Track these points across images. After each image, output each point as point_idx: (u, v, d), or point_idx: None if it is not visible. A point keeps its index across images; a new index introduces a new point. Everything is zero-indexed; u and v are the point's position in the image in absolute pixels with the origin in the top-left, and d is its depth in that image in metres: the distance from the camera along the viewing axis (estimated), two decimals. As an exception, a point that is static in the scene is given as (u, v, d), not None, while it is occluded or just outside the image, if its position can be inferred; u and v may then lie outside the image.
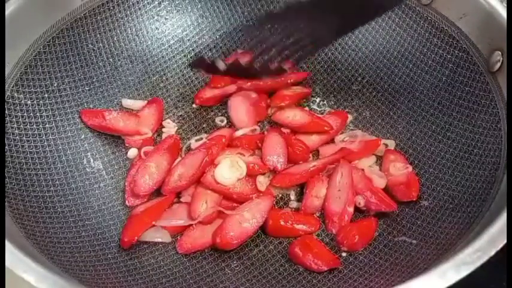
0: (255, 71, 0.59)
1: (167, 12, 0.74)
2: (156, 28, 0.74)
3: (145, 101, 0.70)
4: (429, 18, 0.66)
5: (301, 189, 0.62)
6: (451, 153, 0.61)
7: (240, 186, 0.60)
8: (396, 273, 0.53)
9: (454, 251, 0.47)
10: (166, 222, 0.59)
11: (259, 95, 0.71)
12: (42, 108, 0.63)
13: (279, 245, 0.59)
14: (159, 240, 0.58)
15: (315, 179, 0.61)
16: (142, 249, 0.58)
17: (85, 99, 0.67)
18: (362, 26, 0.69)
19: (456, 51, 0.63)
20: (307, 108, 0.70)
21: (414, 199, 0.59)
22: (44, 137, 0.62)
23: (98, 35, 0.69)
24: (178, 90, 0.73)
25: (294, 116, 0.67)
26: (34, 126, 0.61)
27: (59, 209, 0.57)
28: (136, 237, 0.57)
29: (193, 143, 0.66)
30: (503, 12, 0.58)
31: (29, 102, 0.61)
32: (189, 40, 0.75)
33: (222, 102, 0.72)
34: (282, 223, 0.59)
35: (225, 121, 0.70)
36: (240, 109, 0.70)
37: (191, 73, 0.74)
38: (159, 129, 0.69)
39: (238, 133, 0.67)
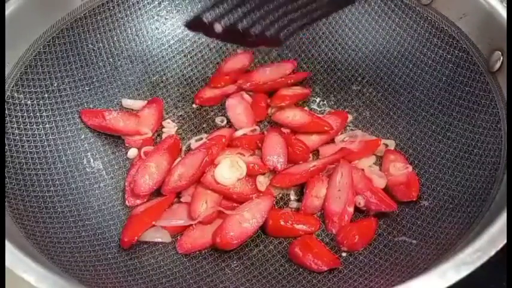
0: (252, 37, 0.58)
1: (167, 12, 0.74)
2: (156, 28, 0.74)
3: (145, 101, 0.70)
4: (429, 18, 0.66)
5: (301, 189, 0.62)
6: (451, 153, 0.61)
7: (240, 186, 0.60)
8: (396, 273, 0.53)
9: (454, 251, 0.47)
10: (166, 222, 0.59)
11: (258, 95, 0.71)
12: (42, 108, 0.63)
13: (279, 245, 0.59)
14: (159, 240, 0.58)
15: (315, 179, 0.61)
16: (142, 249, 0.58)
17: (85, 99, 0.67)
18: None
19: (456, 51, 0.63)
20: (307, 108, 0.70)
21: (414, 199, 0.59)
22: (44, 137, 0.62)
23: (98, 35, 0.69)
24: (178, 90, 0.73)
25: (294, 116, 0.67)
26: (34, 126, 0.61)
27: (59, 209, 0.57)
28: (136, 237, 0.57)
29: (193, 143, 0.66)
30: (503, 12, 0.58)
31: (29, 102, 0.61)
32: (189, 40, 0.75)
33: (222, 102, 0.72)
34: (282, 223, 0.59)
35: (225, 121, 0.70)
36: (239, 109, 0.70)
37: (191, 73, 0.74)
38: (159, 129, 0.69)
39: (238, 133, 0.67)
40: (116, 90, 0.70)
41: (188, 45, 0.75)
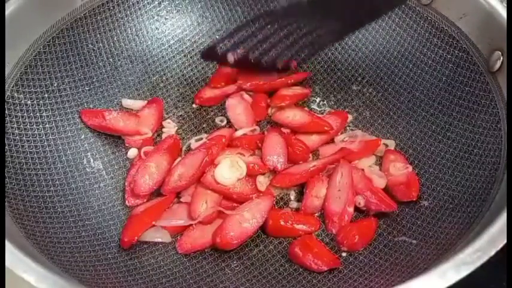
0: (262, 66, 0.59)
1: (167, 12, 0.74)
2: (156, 28, 0.74)
3: (145, 101, 0.70)
4: (429, 18, 0.66)
5: (301, 189, 0.62)
6: (451, 153, 0.61)
7: (240, 186, 0.60)
8: (396, 273, 0.53)
9: (454, 251, 0.47)
10: (166, 222, 0.59)
11: (258, 95, 0.71)
12: (42, 108, 0.63)
13: (279, 245, 0.59)
14: (159, 240, 0.58)
15: (315, 179, 0.61)
16: (142, 249, 0.58)
17: (85, 99, 0.67)
18: (365, 27, 0.70)
19: (456, 51, 0.63)
20: (307, 108, 0.70)
21: (414, 199, 0.59)
22: (44, 137, 0.62)
23: (98, 35, 0.69)
24: (178, 90, 0.73)
25: (294, 116, 0.67)
26: (34, 126, 0.61)
27: (59, 209, 0.57)
28: (136, 237, 0.57)
29: (193, 143, 0.66)
30: (503, 12, 0.58)
31: (29, 102, 0.61)
32: (189, 40, 0.75)
33: (222, 102, 0.71)
34: (282, 223, 0.59)
35: (225, 121, 0.70)
36: (239, 109, 0.70)
37: (191, 73, 0.74)
38: (159, 129, 0.69)
39: (238, 133, 0.67)
40: (116, 90, 0.70)
41: (188, 45, 0.75)
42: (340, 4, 0.59)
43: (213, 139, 0.63)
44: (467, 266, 0.41)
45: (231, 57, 0.59)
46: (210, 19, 0.75)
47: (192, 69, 0.74)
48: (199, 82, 0.74)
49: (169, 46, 0.74)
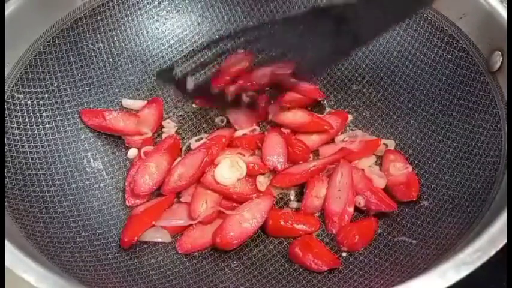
0: (225, 100, 0.55)
1: (167, 12, 0.74)
2: (156, 28, 0.74)
3: (145, 101, 0.70)
4: (429, 18, 0.66)
5: (301, 189, 0.62)
6: (451, 153, 0.61)
7: (240, 186, 0.60)
8: (396, 273, 0.53)
9: (454, 251, 0.47)
10: (166, 222, 0.59)
11: (258, 95, 0.71)
12: (42, 108, 0.63)
13: (279, 245, 0.59)
14: (159, 240, 0.58)
15: (315, 179, 0.61)
16: (142, 249, 0.58)
17: (85, 99, 0.67)
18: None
19: (456, 51, 0.63)
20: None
21: (414, 199, 0.59)
22: (44, 137, 0.62)
23: (98, 35, 0.69)
24: (178, 90, 0.73)
25: (294, 115, 0.67)
26: (34, 126, 0.61)
27: (59, 209, 0.57)
28: (136, 237, 0.57)
29: (193, 143, 0.66)
30: (503, 12, 0.58)
31: (29, 102, 0.61)
32: (189, 40, 0.75)
33: (222, 102, 0.71)
34: (282, 223, 0.59)
35: (225, 121, 0.70)
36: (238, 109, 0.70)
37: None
38: (159, 129, 0.69)
39: (238, 133, 0.67)
40: (116, 90, 0.70)
41: (188, 45, 0.75)
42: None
43: (213, 139, 0.63)
44: (467, 266, 0.41)
45: (190, 84, 0.53)
46: (210, 19, 0.75)
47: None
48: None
49: (169, 46, 0.74)
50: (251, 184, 0.61)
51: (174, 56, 0.74)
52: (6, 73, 0.59)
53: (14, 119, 0.59)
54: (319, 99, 0.71)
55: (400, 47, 0.69)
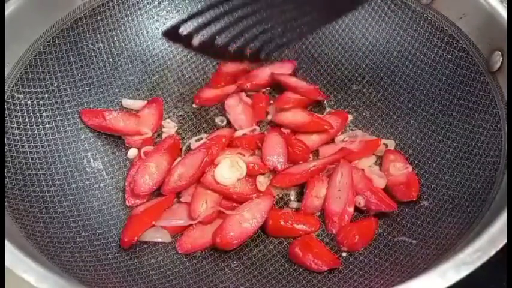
0: (229, 53, 0.57)
1: (167, 12, 0.74)
2: (156, 28, 0.74)
3: (145, 101, 0.70)
4: (429, 18, 0.66)
5: (301, 189, 0.62)
6: (451, 153, 0.61)
7: (240, 186, 0.60)
8: (396, 273, 0.53)
9: (454, 251, 0.47)
10: (166, 222, 0.59)
11: (258, 95, 0.71)
12: (42, 108, 0.63)
13: (279, 245, 0.59)
14: (159, 240, 0.58)
15: (315, 179, 0.61)
16: (142, 249, 0.58)
17: (85, 99, 0.67)
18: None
19: (456, 51, 0.63)
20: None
21: (414, 199, 0.59)
22: (44, 137, 0.62)
23: (98, 35, 0.69)
24: (178, 90, 0.73)
25: (294, 115, 0.67)
26: (34, 126, 0.61)
27: (59, 209, 0.57)
28: (136, 237, 0.57)
29: (193, 143, 0.66)
30: (503, 12, 0.58)
31: (29, 102, 0.61)
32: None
33: (222, 102, 0.71)
34: (282, 223, 0.59)
35: (225, 121, 0.70)
36: (239, 109, 0.70)
37: (191, 73, 0.74)
38: (159, 129, 0.69)
39: (238, 133, 0.67)
40: (116, 90, 0.70)
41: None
42: None
43: (213, 139, 0.63)
44: (467, 266, 0.41)
45: (196, 41, 0.56)
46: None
47: (192, 69, 0.74)
48: (199, 82, 0.74)
49: (169, 46, 0.74)
50: (251, 184, 0.61)
51: (174, 56, 0.74)
52: (6, 73, 0.59)
53: (14, 119, 0.59)
54: (320, 99, 0.71)
55: (400, 47, 0.69)
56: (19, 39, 0.61)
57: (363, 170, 0.63)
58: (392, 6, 0.69)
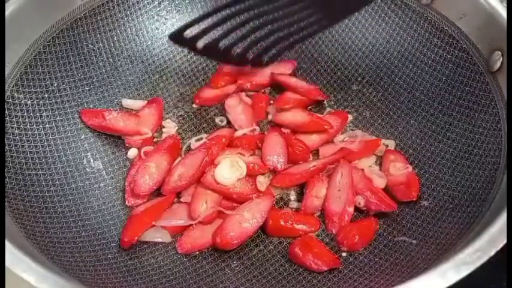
0: (232, 57, 0.57)
1: (167, 12, 0.74)
2: (156, 28, 0.74)
3: (145, 101, 0.70)
4: (429, 18, 0.66)
5: (301, 189, 0.62)
6: (451, 153, 0.61)
7: (240, 186, 0.60)
8: (396, 273, 0.53)
9: (454, 251, 0.47)
10: (166, 222, 0.59)
11: (258, 95, 0.71)
12: (42, 108, 0.63)
13: (279, 245, 0.59)
14: (159, 240, 0.58)
15: (315, 179, 0.61)
16: (142, 249, 0.58)
17: (85, 99, 0.67)
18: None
19: (456, 51, 0.63)
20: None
21: (414, 199, 0.59)
22: (44, 137, 0.62)
23: (98, 35, 0.69)
24: (178, 90, 0.73)
25: (294, 115, 0.67)
26: (34, 126, 0.61)
27: (59, 209, 0.57)
28: (136, 237, 0.57)
29: (193, 143, 0.66)
30: (503, 12, 0.58)
31: (29, 102, 0.61)
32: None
33: (222, 102, 0.71)
34: (282, 223, 0.59)
35: (225, 121, 0.70)
36: (239, 109, 0.70)
37: (191, 73, 0.74)
38: (159, 129, 0.69)
39: (238, 133, 0.67)
40: (116, 90, 0.70)
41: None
42: None
43: (213, 139, 0.63)
44: (467, 266, 0.41)
45: (200, 44, 0.56)
46: (210, 19, 0.75)
47: (192, 70, 0.74)
48: (199, 82, 0.74)
49: (169, 46, 0.74)
50: (251, 184, 0.61)
51: (174, 56, 0.74)
52: (6, 73, 0.59)
53: (14, 119, 0.59)
54: (320, 99, 0.71)
55: (400, 47, 0.69)
56: (19, 39, 0.61)
57: (363, 170, 0.63)
58: (392, 6, 0.69)
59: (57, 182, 0.60)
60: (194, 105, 0.72)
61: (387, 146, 0.66)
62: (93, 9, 0.68)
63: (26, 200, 0.55)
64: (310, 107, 0.71)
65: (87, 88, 0.68)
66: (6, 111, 0.59)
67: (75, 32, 0.67)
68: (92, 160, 0.64)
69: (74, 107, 0.66)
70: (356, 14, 0.71)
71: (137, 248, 0.58)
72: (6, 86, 0.59)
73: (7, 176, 0.55)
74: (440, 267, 0.41)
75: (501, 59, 0.57)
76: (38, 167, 0.59)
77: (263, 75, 0.73)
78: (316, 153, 0.66)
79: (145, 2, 0.73)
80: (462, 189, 0.57)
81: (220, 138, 0.63)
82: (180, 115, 0.71)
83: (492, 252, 0.42)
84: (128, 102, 0.70)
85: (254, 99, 0.71)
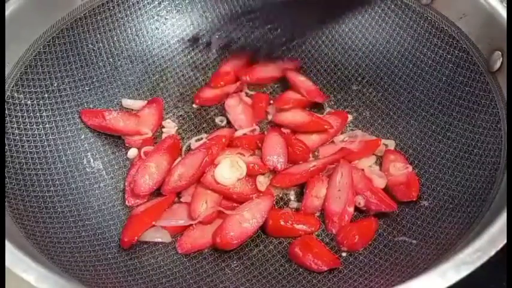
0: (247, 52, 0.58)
1: (167, 12, 0.74)
2: (156, 28, 0.74)
3: (145, 101, 0.70)
4: (429, 18, 0.66)
5: (301, 189, 0.62)
6: (451, 153, 0.61)
7: (240, 186, 0.60)
8: (396, 273, 0.53)
9: (454, 251, 0.47)
10: (166, 222, 0.59)
11: (258, 94, 0.71)
12: (42, 108, 0.63)
13: (279, 245, 0.59)
14: (159, 240, 0.58)
15: (315, 179, 0.61)
16: (142, 249, 0.58)
17: (85, 99, 0.67)
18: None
19: (456, 51, 0.63)
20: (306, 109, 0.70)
21: (414, 199, 0.59)
22: (44, 137, 0.62)
23: (98, 35, 0.69)
24: (178, 90, 0.73)
25: (293, 115, 0.67)
26: (34, 126, 0.61)
27: (59, 209, 0.57)
28: (136, 237, 0.57)
29: (193, 143, 0.66)
30: (503, 12, 0.58)
31: (29, 102, 0.61)
32: (189, 40, 0.75)
33: (222, 102, 0.71)
34: (282, 223, 0.59)
35: (225, 121, 0.70)
36: (238, 109, 0.70)
37: (191, 73, 0.74)
38: (159, 129, 0.69)
39: (238, 133, 0.67)
40: (116, 90, 0.70)
41: (188, 45, 0.75)
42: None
43: (213, 139, 0.63)
44: (467, 266, 0.41)
45: (215, 46, 0.58)
46: (210, 19, 0.75)
47: (192, 69, 0.74)
48: (199, 82, 0.74)
49: (169, 46, 0.74)
50: (251, 184, 0.61)
51: (174, 56, 0.74)
52: (6, 73, 0.59)
53: (14, 119, 0.59)
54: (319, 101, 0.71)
55: (400, 47, 0.69)
56: (19, 39, 0.61)
57: (363, 170, 0.63)
58: (392, 6, 0.69)
59: (57, 182, 0.60)
60: (194, 105, 0.72)
61: (387, 146, 0.66)
62: (93, 9, 0.68)
63: (26, 200, 0.55)
64: (310, 107, 0.71)
65: (87, 88, 0.68)
66: (6, 111, 0.59)
67: (75, 32, 0.67)
68: (92, 160, 0.64)
69: (74, 107, 0.66)
70: (356, 14, 0.71)
71: (137, 248, 0.58)
72: (6, 86, 0.59)
73: (7, 176, 0.55)
74: (440, 267, 0.41)
75: (501, 59, 0.57)
76: (38, 167, 0.59)
77: (264, 71, 0.73)
78: (316, 153, 0.66)
79: (145, 2, 0.73)
80: (462, 189, 0.57)
81: (220, 138, 0.63)
82: (180, 115, 0.71)
83: (492, 252, 0.42)
84: (127, 102, 0.70)
85: (254, 99, 0.71)
